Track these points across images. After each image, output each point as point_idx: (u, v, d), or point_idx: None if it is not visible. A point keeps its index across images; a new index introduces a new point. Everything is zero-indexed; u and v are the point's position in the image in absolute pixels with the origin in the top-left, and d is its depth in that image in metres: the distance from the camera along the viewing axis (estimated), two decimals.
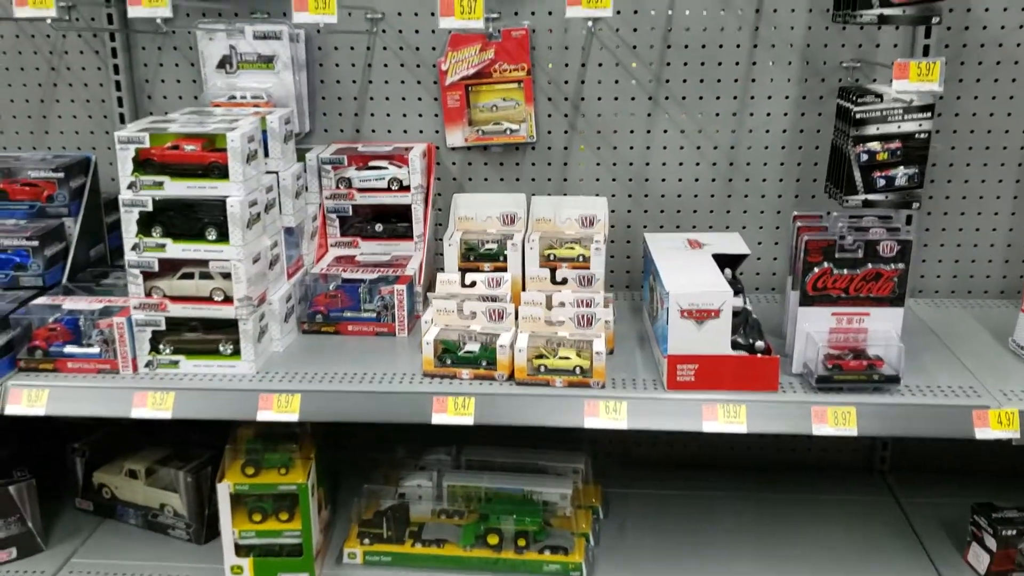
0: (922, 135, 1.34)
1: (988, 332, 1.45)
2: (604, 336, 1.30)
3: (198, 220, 1.29)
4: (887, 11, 1.28)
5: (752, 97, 1.57)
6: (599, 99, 1.59)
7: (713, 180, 1.62)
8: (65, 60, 1.64)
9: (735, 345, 1.26)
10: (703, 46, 1.56)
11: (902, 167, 1.36)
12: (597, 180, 1.64)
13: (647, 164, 1.62)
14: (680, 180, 1.62)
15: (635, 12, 1.55)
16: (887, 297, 1.27)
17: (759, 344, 1.28)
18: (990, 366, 1.32)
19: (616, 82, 1.59)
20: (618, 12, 1.53)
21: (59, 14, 1.32)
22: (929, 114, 1.33)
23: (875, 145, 1.34)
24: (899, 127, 1.33)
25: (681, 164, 1.61)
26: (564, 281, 1.46)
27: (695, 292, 1.23)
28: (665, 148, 1.61)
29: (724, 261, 1.39)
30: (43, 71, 1.65)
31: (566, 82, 1.59)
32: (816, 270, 1.27)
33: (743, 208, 1.62)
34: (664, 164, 1.62)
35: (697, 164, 1.61)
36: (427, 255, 1.56)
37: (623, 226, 1.65)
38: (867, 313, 1.28)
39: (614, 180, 1.63)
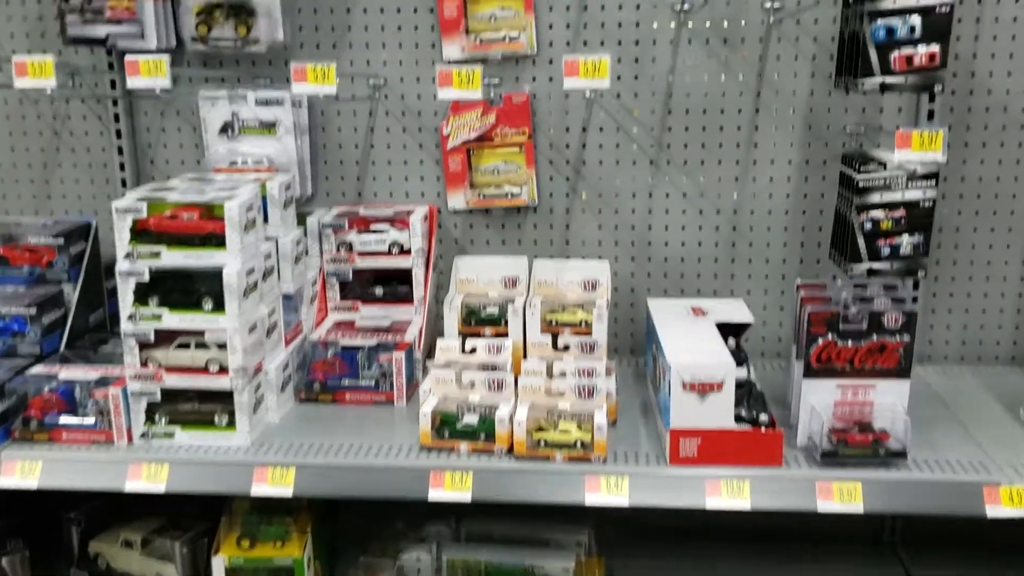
0: (927, 203, 1.32)
1: (998, 401, 1.42)
2: (605, 408, 1.27)
3: (195, 289, 1.28)
4: (889, 79, 1.27)
5: (755, 162, 1.57)
6: (600, 162, 1.59)
7: (716, 244, 1.60)
8: (68, 125, 1.65)
9: (739, 418, 1.24)
10: (704, 111, 1.55)
11: (907, 235, 1.34)
12: (599, 243, 1.62)
13: (649, 228, 1.61)
14: (683, 244, 1.61)
15: (635, 78, 1.55)
16: (893, 369, 1.24)
17: (763, 417, 1.25)
18: (1000, 439, 1.29)
19: (617, 146, 1.58)
20: (618, 78, 1.54)
21: (60, 82, 1.32)
22: (934, 182, 1.32)
23: (879, 213, 1.33)
24: (903, 195, 1.32)
25: (684, 228, 1.60)
26: (566, 348, 1.45)
27: (697, 364, 1.21)
28: (667, 212, 1.60)
29: (728, 330, 1.37)
30: (46, 136, 1.66)
31: (567, 146, 1.59)
32: (820, 342, 1.24)
33: (747, 273, 1.61)
34: (666, 228, 1.60)
35: (700, 228, 1.60)
36: (427, 319, 1.55)
37: (626, 290, 1.63)
38: (872, 385, 1.25)
39: (616, 243, 1.62)
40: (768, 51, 1.52)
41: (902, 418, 1.22)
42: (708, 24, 1.52)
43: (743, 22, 1.51)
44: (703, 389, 1.21)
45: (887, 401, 1.25)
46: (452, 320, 1.49)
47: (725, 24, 1.52)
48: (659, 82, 1.55)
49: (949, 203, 1.53)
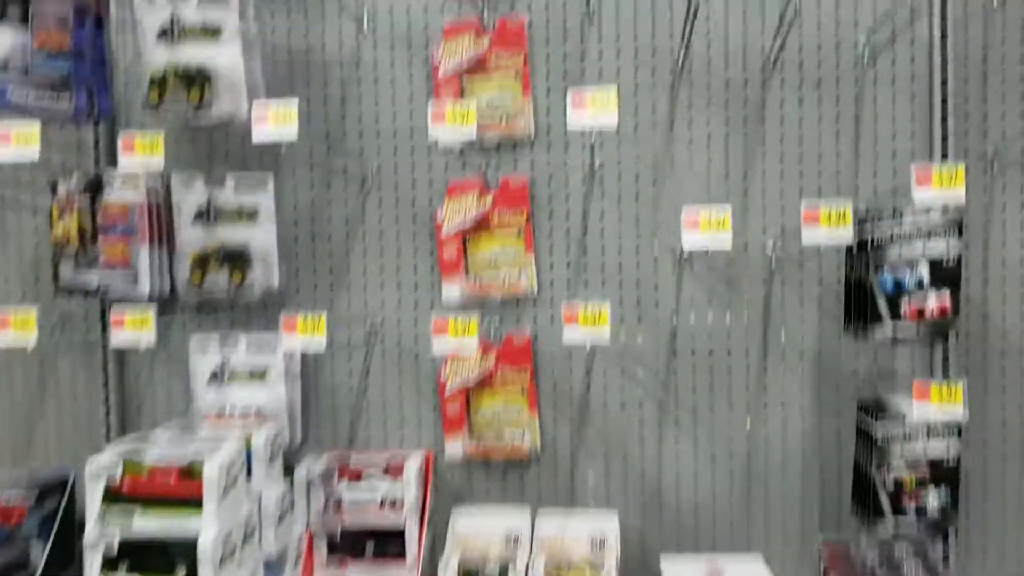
0: (951, 461, 1.24)
1: None
2: None
3: (168, 554, 1.19)
4: (901, 330, 1.23)
5: (766, 405, 1.50)
6: (605, 405, 1.52)
7: (731, 493, 1.51)
8: (55, 372, 1.61)
9: None
10: (710, 352, 1.50)
11: (932, 489, 1.25)
12: (607, 493, 1.53)
13: (659, 476, 1.52)
14: (696, 492, 1.52)
15: (639, 320, 1.51)
16: None
17: None
18: None
19: (622, 389, 1.52)
20: (621, 320, 1.50)
21: (49, 329, 1.28)
22: (957, 436, 1.24)
23: (902, 471, 1.25)
24: (926, 452, 1.24)
25: (696, 475, 1.51)
26: None
27: None
28: (678, 458, 1.52)
29: None
30: (30, 383, 1.61)
31: (571, 388, 1.53)
32: None
33: (764, 524, 1.50)
34: (677, 475, 1.52)
35: (713, 475, 1.51)
36: None
37: (636, 542, 1.53)
38: None
39: (625, 493, 1.53)
40: (771, 293, 1.49)
41: None
42: (708, 268, 1.50)
43: (746, 265, 1.49)
44: None
45: None
46: None
47: (726, 266, 1.49)
48: (663, 324, 1.51)
49: (973, 452, 1.45)
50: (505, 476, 1.55)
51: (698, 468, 1.51)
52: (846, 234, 1.17)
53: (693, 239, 1.19)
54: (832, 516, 1.48)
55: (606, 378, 1.52)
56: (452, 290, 1.53)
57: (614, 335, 1.51)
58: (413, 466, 1.46)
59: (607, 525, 1.44)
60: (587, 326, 1.24)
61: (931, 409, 1.20)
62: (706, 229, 1.20)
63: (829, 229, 1.17)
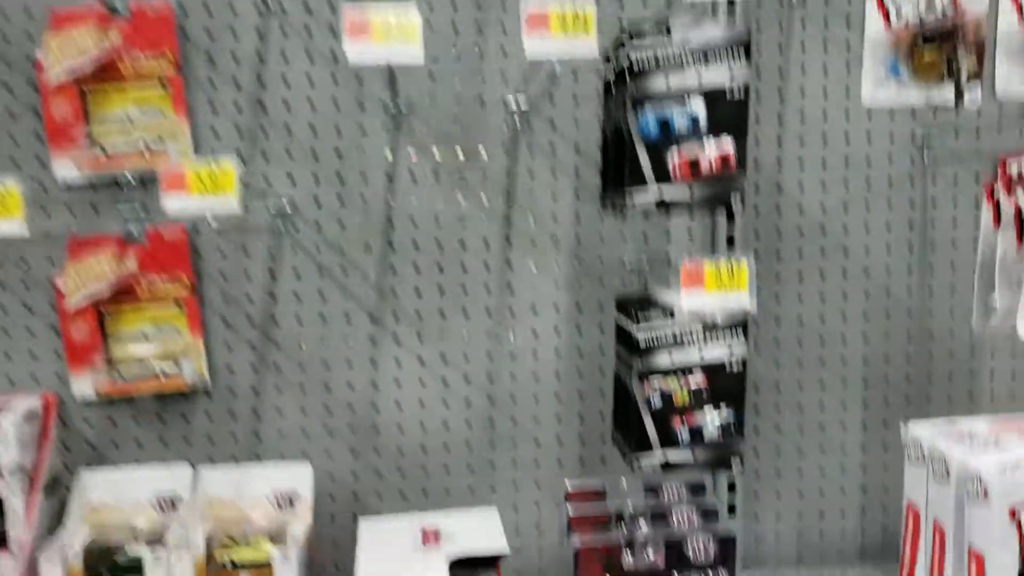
0: (735, 365, 0.92)
1: None
2: None
3: None
4: (668, 191, 0.89)
5: (512, 310, 1.14)
6: (298, 319, 1.13)
7: (471, 429, 1.15)
8: None
9: None
10: (439, 243, 1.13)
11: (711, 410, 0.93)
12: (305, 435, 1.14)
13: (373, 412, 1.14)
14: (424, 432, 1.15)
15: (341, 201, 1.11)
16: None
17: None
18: None
19: (321, 296, 1.13)
20: (315, 199, 1.10)
21: None
22: (742, 334, 0.92)
23: (671, 383, 0.92)
24: (701, 355, 0.92)
25: (423, 410, 1.15)
26: None
27: None
28: (399, 386, 1.14)
29: (469, 567, 0.91)
30: None
31: (250, 297, 1.12)
32: None
33: (512, 468, 1.16)
34: (398, 409, 1.14)
35: (446, 408, 1.15)
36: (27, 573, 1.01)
37: (343, 500, 1.15)
38: None
39: (328, 437, 1.14)
40: (516, 163, 1.13)
41: None
42: (433, 130, 1.11)
43: (482, 126, 1.11)
44: None
45: None
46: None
47: (458, 127, 1.11)
48: (375, 206, 1.11)
49: (765, 359, 1.15)
50: (162, 421, 1.13)
51: (425, 399, 1.15)
52: (587, 46, 0.80)
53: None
54: (595, 453, 1.16)
55: (299, 281, 1.12)
56: (65, 165, 1.07)
57: (306, 220, 1.11)
58: (13, 416, 1.01)
59: (298, 480, 1.06)
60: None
61: (706, 299, 0.87)
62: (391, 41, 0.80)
63: (565, 38, 0.80)
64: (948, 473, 0.83)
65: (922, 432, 0.88)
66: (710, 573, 0.78)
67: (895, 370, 1.18)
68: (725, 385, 0.92)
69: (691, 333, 0.90)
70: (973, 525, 0.79)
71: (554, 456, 1.16)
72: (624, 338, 0.95)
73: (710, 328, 0.91)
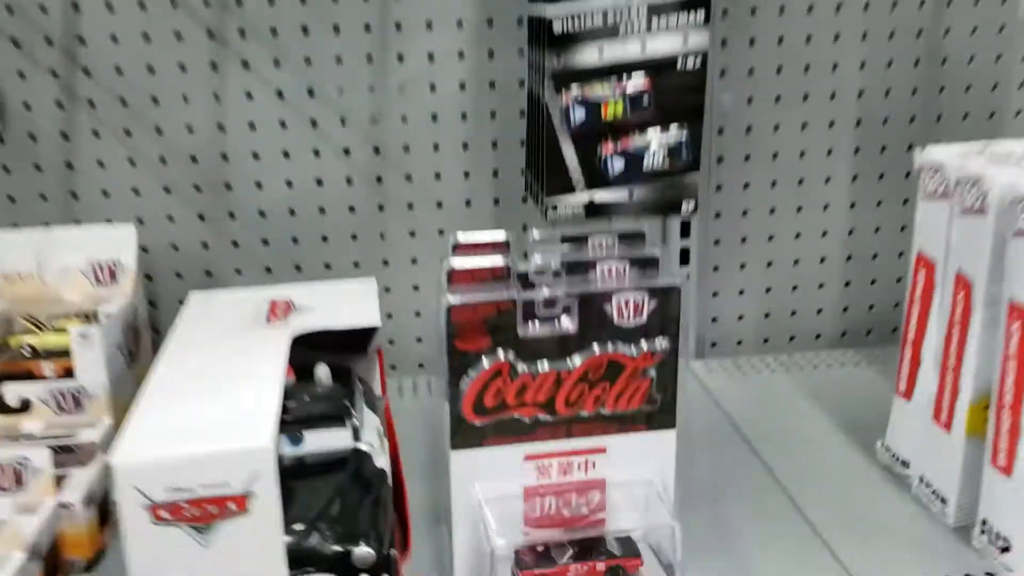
0: (693, 62, 0.65)
1: (833, 422, 0.80)
2: None
3: None
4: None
5: (398, 26, 0.86)
6: (112, 35, 0.84)
7: (351, 184, 0.90)
8: None
9: (304, 556, 0.53)
10: None
11: (654, 130, 0.67)
12: (134, 193, 0.88)
13: (223, 160, 0.88)
14: (290, 188, 0.89)
15: None
16: (638, 414, 0.58)
17: (360, 551, 0.55)
18: (859, 522, 0.65)
19: (140, 2, 0.84)
20: None
21: None
22: (702, 14, 0.65)
23: (599, 88, 0.65)
24: (643, 48, 0.65)
25: (288, 157, 0.88)
26: (26, 407, 0.71)
27: (175, 464, 0.49)
28: (253, 128, 0.87)
29: (332, 343, 0.67)
30: None
31: (43, 7, 0.83)
32: (481, 370, 0.56)
33: (405, 235, 0.91)
34: (255, 156, 0.88)
35: (317, 155, 0.88)
36: None
37: (195, 276, 0.90)
38: (601, 449, 0.58)
39: (167, 193, 0.88)
40: None
41: (667, 523, 0.56)
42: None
43: None
44: (200, 518, 0.50)
45: (636, 481, 0.58)
46: None
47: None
48: None
49: (735, 88, 0.89)
50: None
51: (290, 147, 0.88)
52: None
53: None
54: (515, 216, 0.91)
55: None
56: None
57: None
58: None
59: (119, 246, 0.81)
60: None
61: None
62: None
63: None
64: (983, 202, 0.59)
65: (945, 154, 0.63)
66: (644, 343, 0.55)
67: (898, 107, 0.93)
68: (677, 92, 0.65)
69: (629, 13, 0.63)
70: (1018, 269, 0.56)
71: (460, 221, 0.90)
72: (536, 30, 0.68)
73: (657, 8, 0.63)
